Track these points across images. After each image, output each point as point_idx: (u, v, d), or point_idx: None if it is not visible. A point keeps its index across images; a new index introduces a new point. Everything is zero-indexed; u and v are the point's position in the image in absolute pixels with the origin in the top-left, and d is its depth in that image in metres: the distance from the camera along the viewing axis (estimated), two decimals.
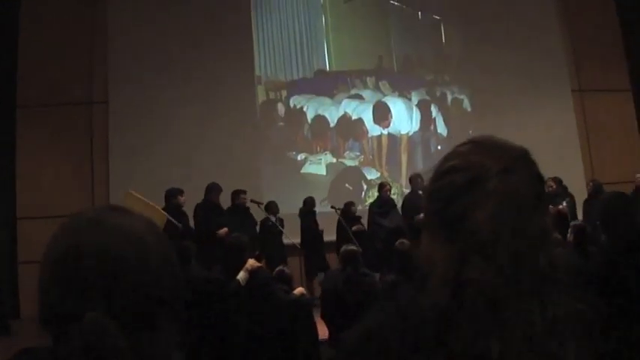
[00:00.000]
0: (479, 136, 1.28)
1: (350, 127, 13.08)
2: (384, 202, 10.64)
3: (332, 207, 10.97)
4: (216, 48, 12.49)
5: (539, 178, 1.23)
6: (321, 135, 12.97)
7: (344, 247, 7.09)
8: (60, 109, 11.74)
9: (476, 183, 1.16)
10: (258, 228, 10.31)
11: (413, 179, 10.73)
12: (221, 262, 7.12)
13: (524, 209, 1.15)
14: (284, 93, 13.09)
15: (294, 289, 6.85)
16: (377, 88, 13.39)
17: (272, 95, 13.03)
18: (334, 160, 12.90)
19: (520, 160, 1.23)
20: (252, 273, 6.46)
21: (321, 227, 10.86)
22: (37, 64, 11.72)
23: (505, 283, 1.10)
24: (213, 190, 9.82)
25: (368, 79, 13.37)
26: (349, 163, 12.97)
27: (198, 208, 9.69)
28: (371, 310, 1.26)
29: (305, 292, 7.07)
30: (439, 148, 13.19)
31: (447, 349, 1.08)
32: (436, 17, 13.80)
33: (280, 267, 7.13)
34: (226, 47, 12.56)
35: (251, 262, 6.51)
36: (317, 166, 12.81)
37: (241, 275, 6.39)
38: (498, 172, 1.17)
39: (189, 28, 12.41)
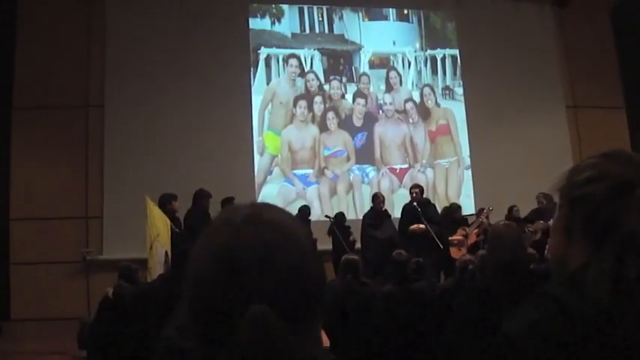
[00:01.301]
0: (608, 150, 1.40)
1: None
2: (376, 214, 10.64)
3: (326, 216, 11.00)
4: (213, 53, 12.52)
5: None
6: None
7: (345, 256, 7.10)
8: (55, 112, 11.72)
9: (624, 190, 1.27)
10: None
11: (411, 190, 10.72)
12: None
13: None
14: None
15: None
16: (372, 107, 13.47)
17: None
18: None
19: None
20: None
21: (316, 237, 10.84)
22: (33, 66, 11.72)
23: None
24: (202, 196, 9.77)
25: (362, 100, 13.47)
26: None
27: (193, 214, 9.61)
28: (525, 304, 1.33)
29: None
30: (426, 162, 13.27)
31: (611, 344, 1.18)
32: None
33: None
34: (223, 52, 12.59)
35: None
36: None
37: None
38: None
39: (186, 32, 12.43)
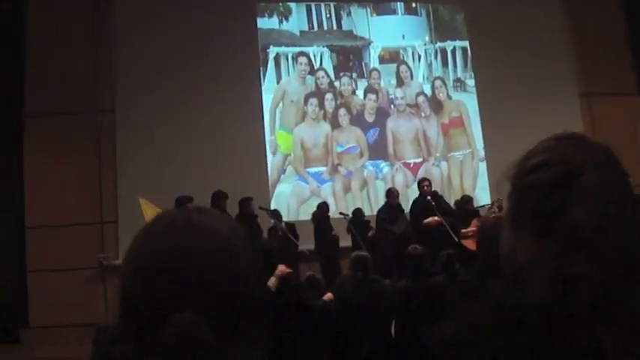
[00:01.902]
0: (561, 133, 1.29)
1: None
2: (391, 209, 10.59)
3: (340, 213, 10.95)
4: (223, 53, 12.50)
5: (625, 174, 1.22)
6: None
7: (354, 253, 7.10)
8: (67, 118, 11.72)
9: (572, 177, 1.16)
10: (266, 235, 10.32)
11: (421, 184, 10.68)
12: None
13: (622, 203, 1.16)
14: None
15: (324, 294, 6.83)
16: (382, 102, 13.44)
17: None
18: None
19: (608, 155, 1.22)
20: (283, 279, 6.40)
21: (336, 233, 10.83)
22: (44, 72, 11.72)
23: (612, 278, 1.09)
24: (219, 197, 9.81)
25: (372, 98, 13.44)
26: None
27: None
28: (463, 305, 1.25)
29: (333, 297, 7.03)
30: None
31: (552, 347, 1.07)
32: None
33: (310, 272, 7.12)
34: (232, 53, 12.57)
35: (281, 268, 6.45)
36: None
37: (272, 281, 6.32)
38: (593, 167, 1.17)
39: (197, 35, 12.41)
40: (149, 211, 8.63)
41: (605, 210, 1.12)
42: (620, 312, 1.07)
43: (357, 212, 11.01)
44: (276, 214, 10.69)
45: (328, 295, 6.87)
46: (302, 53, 13.26)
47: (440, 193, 10.79)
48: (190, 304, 0.98)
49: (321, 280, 7.11)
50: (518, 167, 1.27)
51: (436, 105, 13.53)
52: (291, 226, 10.72)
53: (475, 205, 11.30)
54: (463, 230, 10.24)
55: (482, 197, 12.04)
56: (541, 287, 1.10)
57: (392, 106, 13.35)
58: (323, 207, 10.95)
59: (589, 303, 1.06)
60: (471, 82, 13.71)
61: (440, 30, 13.90)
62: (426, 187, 10.47)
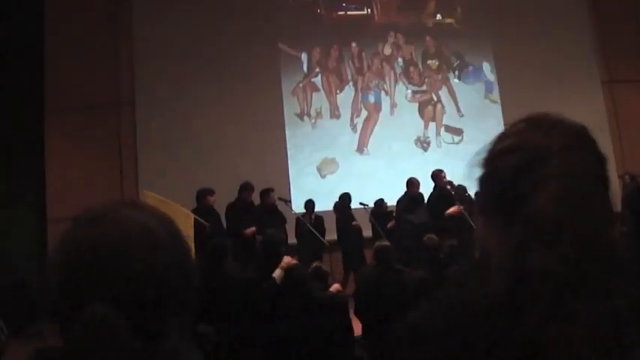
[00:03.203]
0: (534, 114, 1.21)
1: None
2: (411, 198, 10.54)
3: (360, 204, 10.91)
4: (243, 46, 12.50)
5: (600, 157, 1.16)
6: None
7: (377, 244, 7.05)
8: (88, 112, 11.78)
9: (535, 163, 1.09)
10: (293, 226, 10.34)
11: (436, 175, 10.62)
12: (255, 260, 7.08)
13: (587, 191, 1.09)
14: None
15: (331, 286, 6.80)
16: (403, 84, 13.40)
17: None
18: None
19: (580, 138, 1.16)
20: (288, 270, 6.35)
21: (358, 223, 10.81)
22: (64, 67, 11.77)
23: (569, 270, 1.02)
24: (245, 189, 9.81)
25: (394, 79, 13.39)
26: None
27: (228, 208, 9.68)
28: (428, 299, 1.20)
29: (341, 288, 7.00)
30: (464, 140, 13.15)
31: (507, 340, 1.02)
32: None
33: (316, 264, 7.05)
34: (253, 45, 12.55)
35: (287, 260, 6.42)
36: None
37: (277, 273, 6.31)
38: (559, 151, 1.10)
39: (215, 27, 12.41)
40: (156, 204, 8.63)
41: (567, 199, 1.06)
42: (576, 306, 1.01)
43: (379, 202, 10.96)
44: (308, 205, 10.70)
45: (335, 286, 6.84)
46: None
47: (456, 184, 10.70)
48: (110, 294, 1.00)
49: (327, 272, 7.04)
50: (488, 151, 1.19)
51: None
52: (319, 218, 10.69)
53: None
54: None
55: None
56: (501, 278, 1.05)
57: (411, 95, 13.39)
58: (345, 197, 10.92)
59: (545, 296, 1.01)
60: (489, 70, 13.61)
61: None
62: (443, 179, 10.42)
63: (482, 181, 1.19)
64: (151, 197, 8.67)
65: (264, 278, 6.31)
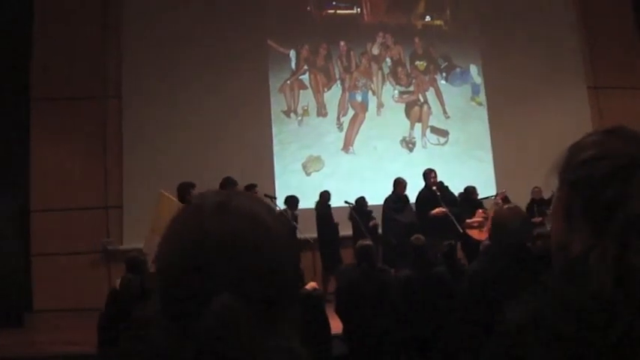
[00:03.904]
0: (610, 126, 1.28)
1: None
2: (398, 198, 10.58)
3: (345, 202, 10.93)
4: (232, 42, 12.50)
5: None
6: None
7: (359, 243, 7.06)
8: (73, 103, 11.75)
9: (626, 170, 1.16)
10: None
11: (426, 175, 10.63)
12: None
13: None
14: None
15: (306, 283, 6.83)
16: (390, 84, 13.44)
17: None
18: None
19: None
20: None
21: (336, 221, 10.84)
22: (51, 57, 11.73)
23: None
24: (229, 184, 9.76)
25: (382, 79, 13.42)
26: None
27: None
28: (525, 293, 1.25)
29: (317, 286, 7.02)
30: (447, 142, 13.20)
31: (612, 336, 1.07)
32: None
33: None
34: (241, 41, 12.56)
35: None
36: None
37: None
38: None
39: (204, 22, 12.41)
40: (167, 202, 8.62)
41: None
42: None
43: (360, 200, 10.99)
44: (290, 202, 10.69)
45: (311, 284, 6.88)
46: None
47: (445, 184, 10.71)
48: (229, 287, 0.99)
49: (302, 271, 7.09)
50: (566, 161, 1.27)
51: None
52: (295, 215, 10.69)
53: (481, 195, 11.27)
54: (468, 220, 10.22)
55: (489, 189, 12.01)
56: (603, 277, 1.10)
57: (398, 95, 13.43)
58: (325, 195, 10.95)
59: None
60: (476, 73, 13.67)
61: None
62: (432, 179, 10.41)
63: (566, 189, 1.26)
64: (166, 198, 8.66)
65: None
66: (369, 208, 10.93)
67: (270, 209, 1.13)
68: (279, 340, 1.04)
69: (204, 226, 1.04)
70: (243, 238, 1.03)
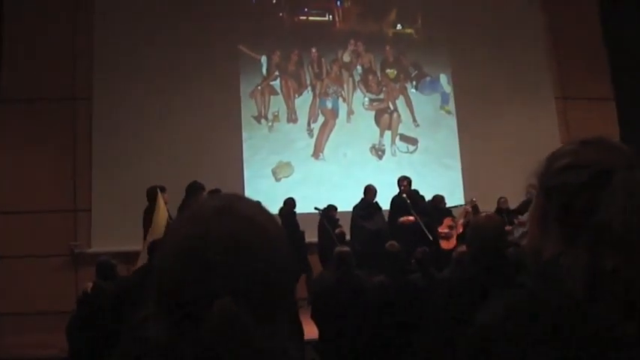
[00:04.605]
0: (586, 137, 1.34)
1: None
2: (367, 205, 10.58)
3: (315, 208, 10.92)
4: (202, 44, 12.50)
5: None
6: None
7: (338, 249, 7.06)
8: (42, 105, 11.66)
9: (602, 178, 1.22)
10: None
11: (399, 181, 10.64)
12: None
13: None
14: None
15: None
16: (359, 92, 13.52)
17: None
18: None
19: (634, 157, 1.28)
20: None
21: (301, 228, 10.81)
22: (20, 58, 11.65)
23: (638, 273, 1.15)
24: (197, 188, 9.72)
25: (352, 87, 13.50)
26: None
27: (180, 209, 9.57)
28: (498, 295, 1.30)
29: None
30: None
31: (585, 336, 1.14)
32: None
33: None
34: (212, 43, 12.59)
35: None
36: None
37: None
38: (624, 168, 1.22)
39: (176, 25, 12.37)
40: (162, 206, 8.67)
41: (633, 209, 1.18)
42: None
43: (330, 208, 11.00)
44: None
45: None
46: None
47: (421, 193, 10.75)
48: (230, 290, 1.00)
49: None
50: (545, 169, 1.33)
51: None
52: None
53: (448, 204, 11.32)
54: (439, 230, 10.29)
55: (457, 197, 12.10)
56: (576, 280, 1.17)
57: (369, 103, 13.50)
58: (290, 202, 10.93)
59: (619, 295, 1.14)
60: (446, 82, 13.79)
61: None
62: (403, 187, 10.42)
63: (542, 196, 1.33)
64: (162, 200, 8.69)
65: None
66: (336, 217, 10.89)
67: (269, 214, 1.15)
68: (276, 341, 1.05)
69: (207, 229, 1.06)
70: (244, 242, 1.05)
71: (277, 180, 12.71)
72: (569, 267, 1.19)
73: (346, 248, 7.09)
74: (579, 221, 1.22)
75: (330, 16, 13.65)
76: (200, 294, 1.01)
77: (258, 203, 1.17)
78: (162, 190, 9.28)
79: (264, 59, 13.19)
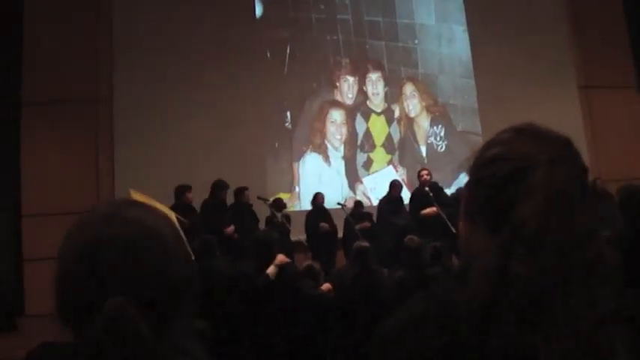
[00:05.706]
0: (522, 124, 1.24)
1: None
2: (393, 199, 10.56)
3: (338, 203, 10.91)
4: (223, 43, 12.50)
5: (584, 169, 1.18)
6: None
7: (356, 243, 7.08)
8: (64, 107, 11.68)
9: (522, 173, 1.12)
10: (263, 225, 10.26)
11: (418, 174, 10.60)
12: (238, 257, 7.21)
13: (571, 202, 1.10)
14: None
15: (322, 284, 6.88)
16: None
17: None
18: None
19: (565, 150, 1.17)
20: (282, 268, 6.57)
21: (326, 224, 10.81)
22: (41, 60, 11.67)
23: (552, 278, 1.04)
24: (221, 187, 9.79)
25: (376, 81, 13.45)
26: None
27: (205, 206, 9.65)
28: (408, 301, 1.21)
29: (332, 288, 7.05)
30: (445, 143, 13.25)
31: (488, 345, 1.03)
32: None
33: (309, 262, 7.22)
34: (233, 42, 12.59)
35: (280, 258, 6.64)
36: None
37: (271, 270, 6.50)
38: (545, 163, 1.12)
39: (196, 22, 12.37)
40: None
41: (551, 209, 1.08)
42: (555, 314, 1.03)
43: (357, 204, 11.00)
44: (277, 204, 10.66)
45: (326, 286, 6.90)
46: None
47: (440, 185, 10.69)
48: (122, 292, 1.05)
49: (319, 270, 7.12)
50: (476, 158, 1.23)
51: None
52: (286, 216, 10.66)
53: None
54: None
55: None
56: (480, 284, 1.07)
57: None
58: (317, 197, 10.94)
59: (527, 303, 1.03)
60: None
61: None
62: (424, 178, 10.36)
63: (470, 187, 1.22)
64: (138, 197, 8.66)
65: (257, 275, 6.49)
66: (364, 211, 10.91)
67: (161, 218, 1.20)
68: (173, 340, 1.10)
69: (98, 234, 1.11)
70: (134, 246, 1.10)
71: None
72: (478, 269, 1.09)
73: (365, 243, 7.11)
74: (498, 219, 1.11)
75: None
76: (93, 297, 1.05)
77: (154, 209, 1.22)
78: (188, 189, 9.37)
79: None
